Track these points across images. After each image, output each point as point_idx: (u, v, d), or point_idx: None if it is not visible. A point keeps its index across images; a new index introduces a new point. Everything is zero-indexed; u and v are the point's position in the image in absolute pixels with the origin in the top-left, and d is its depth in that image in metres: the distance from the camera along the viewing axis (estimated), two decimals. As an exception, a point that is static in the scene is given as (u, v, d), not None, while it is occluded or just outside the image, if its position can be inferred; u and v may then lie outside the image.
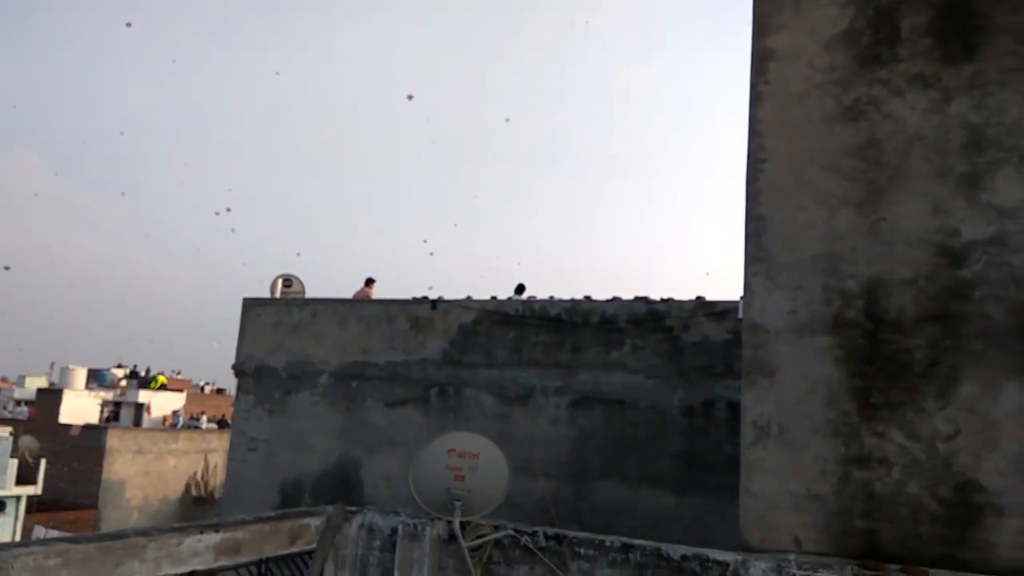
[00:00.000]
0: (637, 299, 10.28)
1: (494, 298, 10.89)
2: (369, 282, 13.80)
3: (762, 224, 4.63)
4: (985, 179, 4.24)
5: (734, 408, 8.00)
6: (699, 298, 10.03)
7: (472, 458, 4.90)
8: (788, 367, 4.47)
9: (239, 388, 11.75)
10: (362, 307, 11.16)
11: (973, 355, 4.08)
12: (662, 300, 10.26)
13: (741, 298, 5.11)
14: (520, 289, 13.08)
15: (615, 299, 10.33)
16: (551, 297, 10.64)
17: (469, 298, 11.49)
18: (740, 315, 5.34)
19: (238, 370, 11.63)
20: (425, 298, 11.02)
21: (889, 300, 4.29)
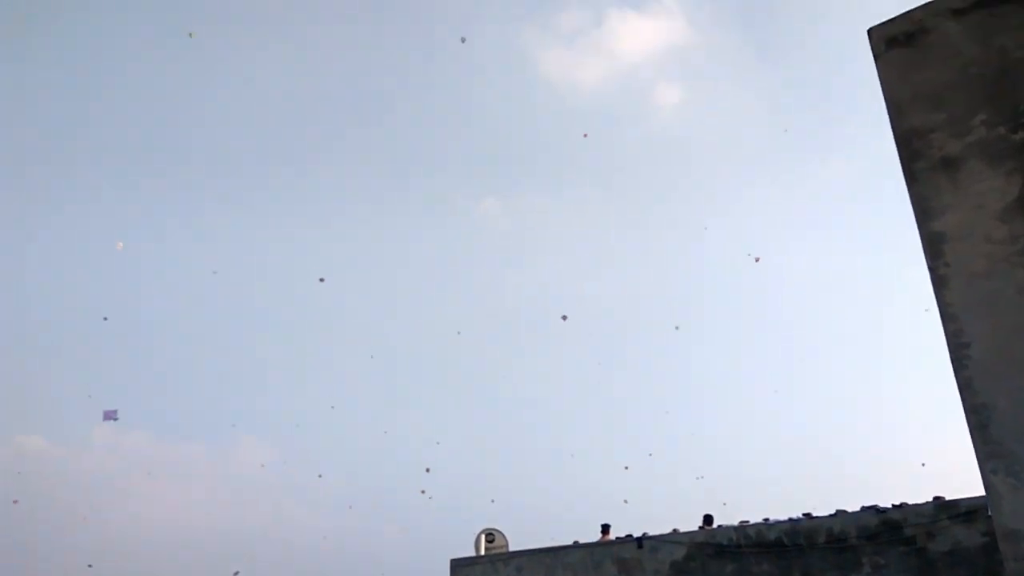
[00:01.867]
0: (864, 509, 9.28)
1: (703, 527, 10.22)
2: (605, 529, 13.29)
3: (986, 415, 4.17)
4: None
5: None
6: (937, 498, 8.91)
7: None
8: (1069, 578, 3.75)
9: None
10: (567, 554, 10.80)
11: None
12: (894, 506, 9.20)
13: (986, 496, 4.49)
14: (708, 520, 11.73)
15: (839, 512, 9.38)
16: (765, 519, 9.84)
17: (676, 531, 10.86)
18: (991, 513, 4.67)
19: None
20: (630, 536, 10.52)
21: None
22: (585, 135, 32.80)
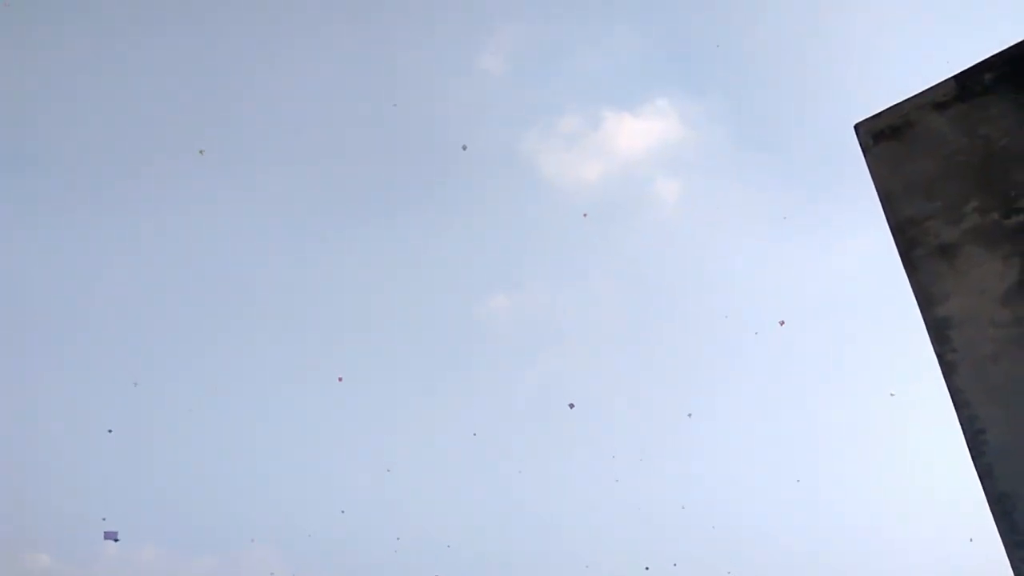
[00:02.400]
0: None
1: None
2: None
3: (1010, 503, 4.07)
4: None
5: None
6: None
7: None
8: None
9: None
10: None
11: None
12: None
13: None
14: None
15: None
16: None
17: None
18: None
19: None
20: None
21: None
22: (585, 214, 33.10)
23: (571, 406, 23.21)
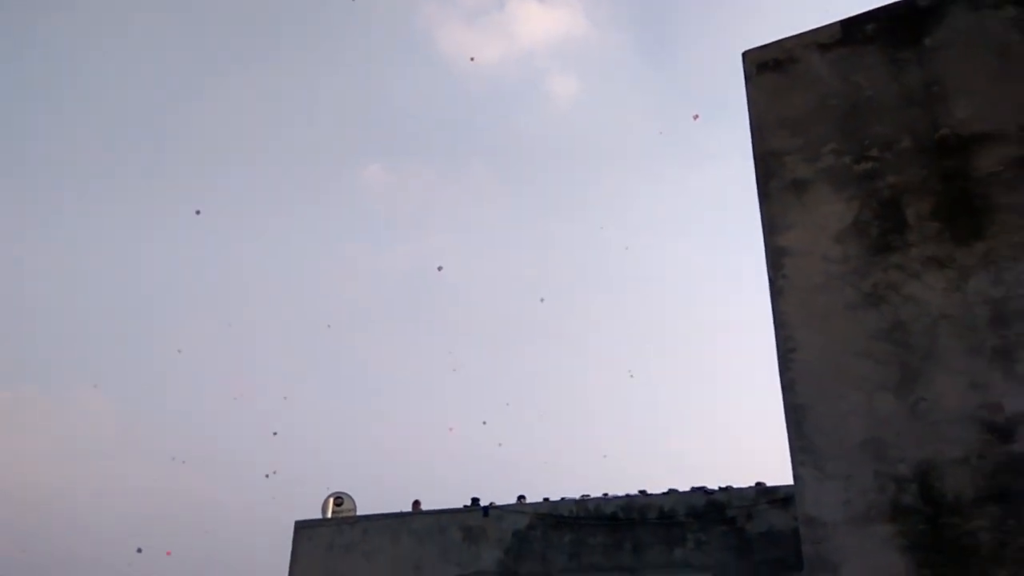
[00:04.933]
0: (695, 490, 9.97)
1: (547, 499, 10.67)
2: (415, 505, 13.51)
3: (802, 414, 4.65)
4: (1018, 351, 4.27)
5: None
6: (759, 484, 9.70)
7: None
8: (852, 561, 4.30)
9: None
10: (413, 520, 11.01)
11: (1045, 536, 3.90)
12: (720, 489, 9.94)
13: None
14: (475, 501, 11.76)
15: (671, 491, 10.05)
16: (605, 494, 10.40)
17: (522, 499, 11.26)
18: (796, 500, 5.20)
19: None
20: (476, 503, 10.84)
21: (944, 482, 4.19)
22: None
23: (439, 268, 24.04)
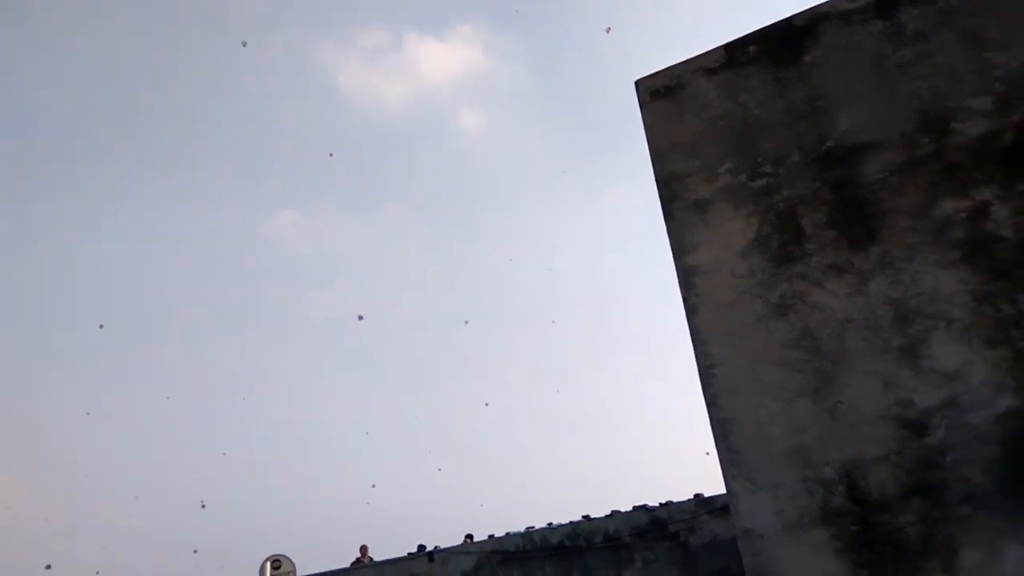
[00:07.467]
0: (636, 509, 10.05)
1: (492, 536, 10.56)
2: (363, 549, 13.27)
3: (727, 427, 4.73)
4: (922, 347, 4.45)
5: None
6: (698, 495, 9.85)
7: None
8: (791, 569, 4.36)
9: None
10: (357, 574, 10.70)
11: (964, 522, 4.05)
12: (661, 505, 10.04)
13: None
14: (421, 548, 11.24)
15: (614, 513, 10.10)
16: (549, 523, 10.36)
17: (469, 539, 11.12)
18: (731, 512, 5.27)
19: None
20: (422, 549, 10.63)
21: (868, 481, 4.31)
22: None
23: (360, 318, 23.95)
